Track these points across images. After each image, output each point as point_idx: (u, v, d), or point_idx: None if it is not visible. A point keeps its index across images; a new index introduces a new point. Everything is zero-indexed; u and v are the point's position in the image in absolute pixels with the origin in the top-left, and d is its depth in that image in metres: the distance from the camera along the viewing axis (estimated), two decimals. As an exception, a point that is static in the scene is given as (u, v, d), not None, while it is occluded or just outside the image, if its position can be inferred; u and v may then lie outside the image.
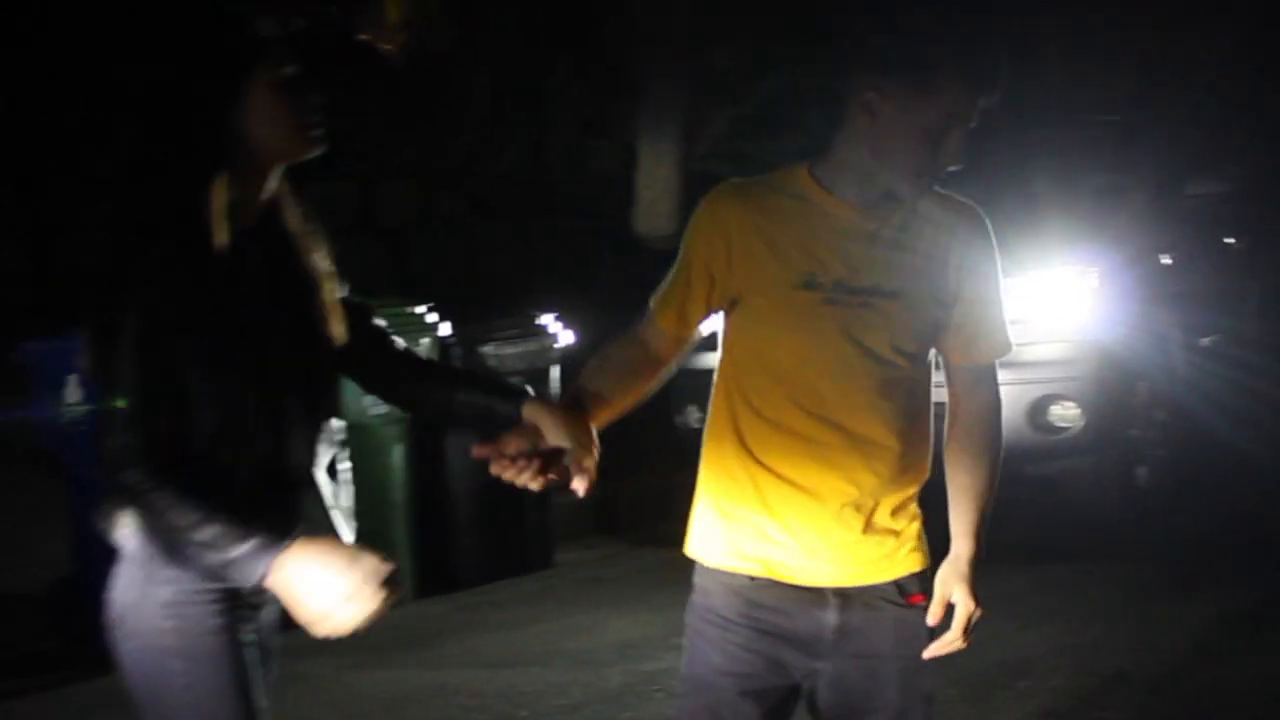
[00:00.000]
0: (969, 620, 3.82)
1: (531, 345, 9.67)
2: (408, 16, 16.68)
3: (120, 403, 3.35)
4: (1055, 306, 9.75)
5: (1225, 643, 8.02)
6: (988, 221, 3.81)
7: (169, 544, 3.37)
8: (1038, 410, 9.67)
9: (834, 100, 3.89)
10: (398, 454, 9.08)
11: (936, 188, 3.72)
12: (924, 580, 3.80)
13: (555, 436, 3.84)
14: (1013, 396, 9.54)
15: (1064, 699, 7.29)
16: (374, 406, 8.80)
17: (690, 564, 4.17)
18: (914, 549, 3.80)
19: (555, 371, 9.81)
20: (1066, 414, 9.69)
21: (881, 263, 3.68)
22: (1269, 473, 10.64)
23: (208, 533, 3.31)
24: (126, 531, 3.48)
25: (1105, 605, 8.69)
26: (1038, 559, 9.55)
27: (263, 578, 3.33)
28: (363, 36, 16.52)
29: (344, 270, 3.78)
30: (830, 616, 3.76)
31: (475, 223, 15.08)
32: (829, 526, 3.74)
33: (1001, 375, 9.38)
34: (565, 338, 9.85)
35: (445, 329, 9.26)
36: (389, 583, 3.38)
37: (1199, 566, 9.43)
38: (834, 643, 3.77)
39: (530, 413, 3.87)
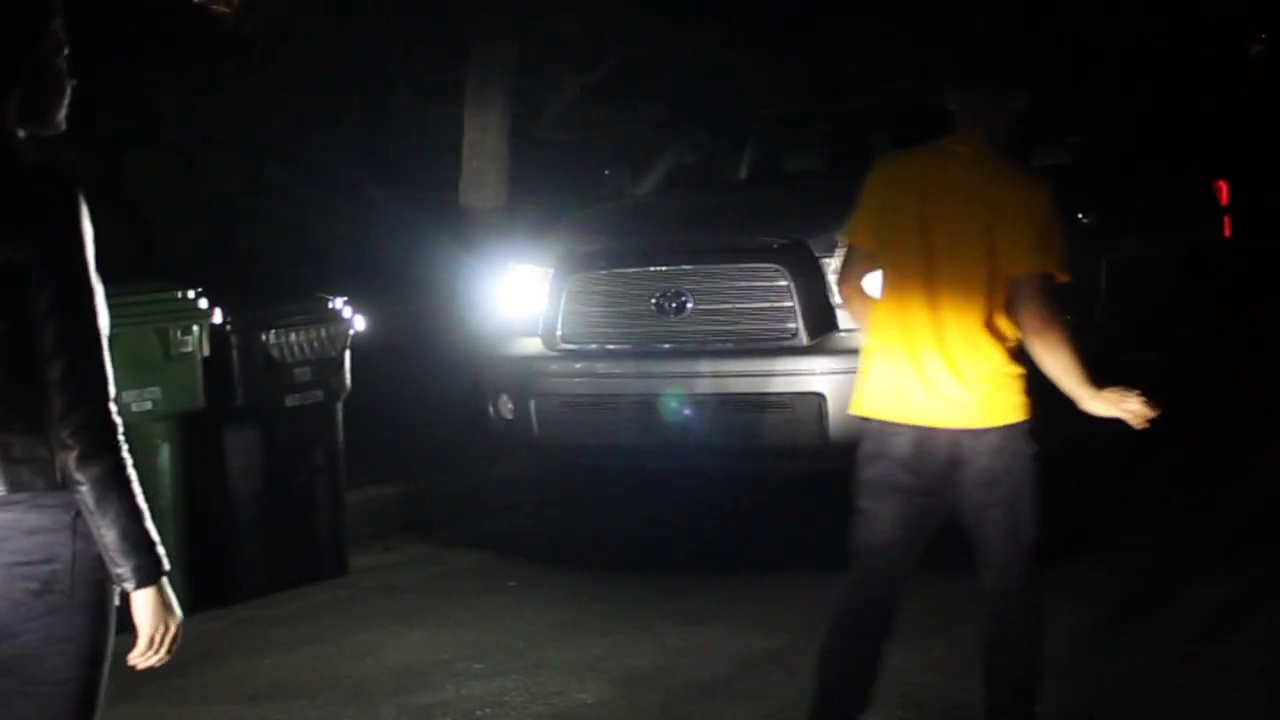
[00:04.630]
0: None
1: (319, 331, 8.51)
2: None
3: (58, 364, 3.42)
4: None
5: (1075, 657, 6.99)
6: None
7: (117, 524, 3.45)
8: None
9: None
10: (165, 454, 7.90)
11: None
12: None
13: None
14: (845, 387, 8.61)
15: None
16: (136, 402, 7.67)
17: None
18: None
19: (346, 359, 8.66)
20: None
21: None
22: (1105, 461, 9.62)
23: (145, 521, 3.50)
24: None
25: (939, 616, 7.58)
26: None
27: (144, 585, 3.50)
28: (195, -3, 15.35)
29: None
30: None
31: (306, 195, 13.87)
32: None
33: (832, 364, 8.34)
34: (358, 323, 8.70)
35: (218, 316, 8.09)
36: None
37: (1061, 569, 8.38)
38: None
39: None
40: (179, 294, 7.98)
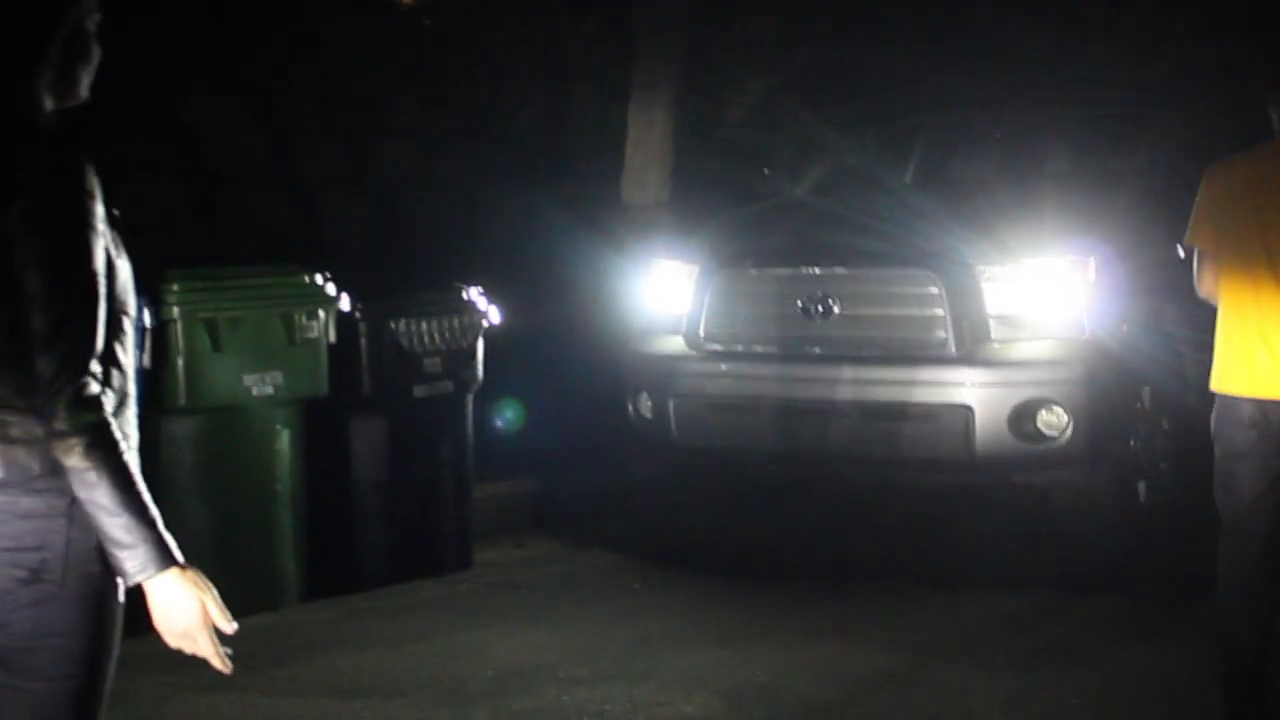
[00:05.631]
0: None
1: (451, 321, 8.24)
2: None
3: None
4: (1044, 301, 8.22)
5: (1201, 699, 6.48)
6: None
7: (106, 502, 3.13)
8: (1022, 416, 8.12)
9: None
10: (285, 439, 7.68)
11: None
12: None
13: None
14: (994, 400, 8.21)
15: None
16: (258, 386, 7.46)
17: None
18: None
19: (479, 350, 8.38)
20: (1054, 420, 8.14)
21: None
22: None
23: (143, 503, 3.16)
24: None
25: (1071, 646, 7.16)
26: (1014, 588, 8.08)
27: (150, 576, 3.17)
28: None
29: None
30: None
31: (477, 188, 13.63)
32: None
33: (981, 376, 7.92)
34: (493, 314, 8.42)
35: (345, 302, 7.84)
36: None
37: (1201, 601, 7.86)
38: None
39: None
40: (305, 278, 7.76)
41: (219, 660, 3.25)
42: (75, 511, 3.18)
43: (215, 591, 3.24)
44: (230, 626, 3.24)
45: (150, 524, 3.16)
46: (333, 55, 13.85)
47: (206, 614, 3.20)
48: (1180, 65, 13.56)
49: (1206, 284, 6.14)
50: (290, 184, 12.62)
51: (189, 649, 3.24)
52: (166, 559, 3.17)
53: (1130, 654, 7.06)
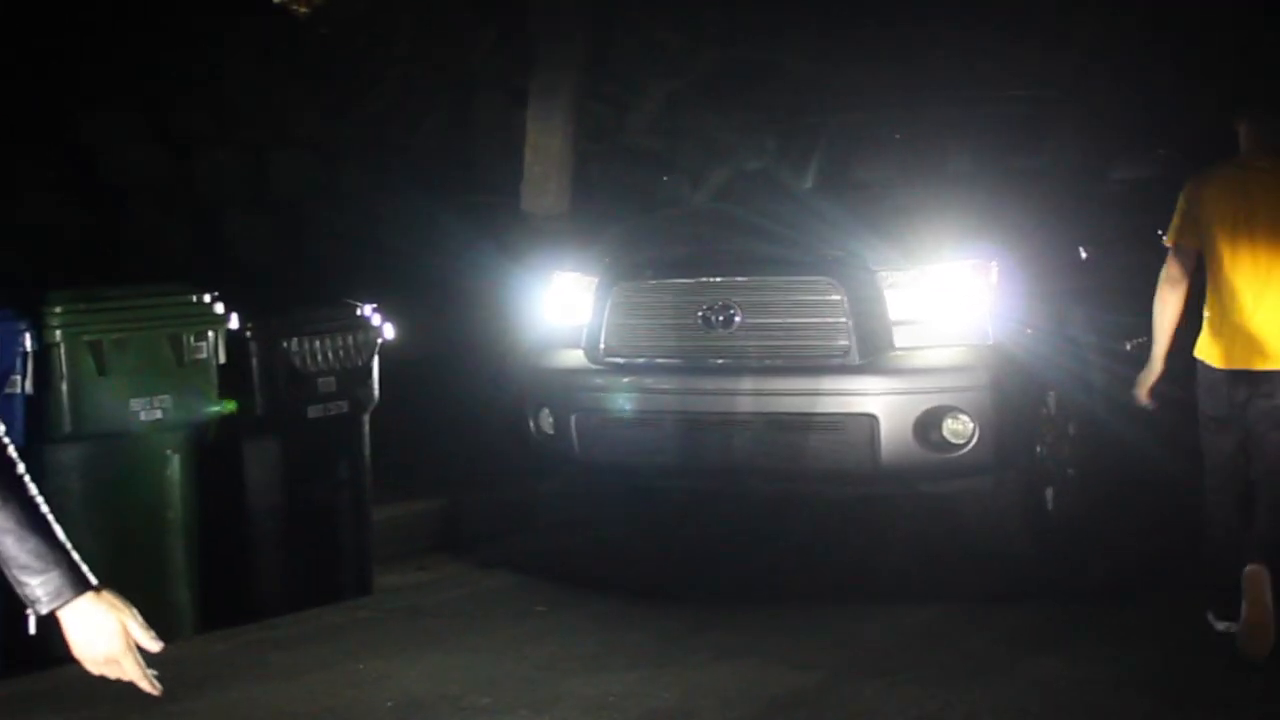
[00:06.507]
0: None
1: (345, 339, 7.99)
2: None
3: None
4: (947, 306, 8.07)
5: (1115, 708, 6.34)
6: None
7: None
8: (927, 424, 7.98)
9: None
10: (175, 465, 7.41)
11: None
12: None
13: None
14: (899, 408, 8.06)
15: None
16: (145, 410, 7.20)
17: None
18: None
19: (374, 368, 8.14)
20: (959, 428, 8.00)
21: None
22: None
23: (50, 526, 3.06)
24: None
25: (982, 660, 6.99)
26: (918, 599, 7.92)
27: (64, 604, 3.04)
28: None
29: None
30: None
31: (380, 199, 13.38)
32: None
33: (885, 384, 7.78)
34: (387, 331, 8.18)
35: (234, 322, 7.59)
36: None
37: (1110, 611, 7.74)
38: None
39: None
40: (193, 298, 7.50)
41: (146, 683, 3.12)
42: None
43: (135, 611, 3.10)
44: (156, 646, 3.11)
45: (60, 547, 3.05)
46: (232, 68, 13.58)
47: (129, 636, 3.07)
48: (1083, 63, 13.48)
49: (1174, 280, 6.96)
50: (190, 200, 12.35)
51: (114, 674, 3.11)
52: (81, 583, 3.05)
53: (1042, 666, 6.89)
